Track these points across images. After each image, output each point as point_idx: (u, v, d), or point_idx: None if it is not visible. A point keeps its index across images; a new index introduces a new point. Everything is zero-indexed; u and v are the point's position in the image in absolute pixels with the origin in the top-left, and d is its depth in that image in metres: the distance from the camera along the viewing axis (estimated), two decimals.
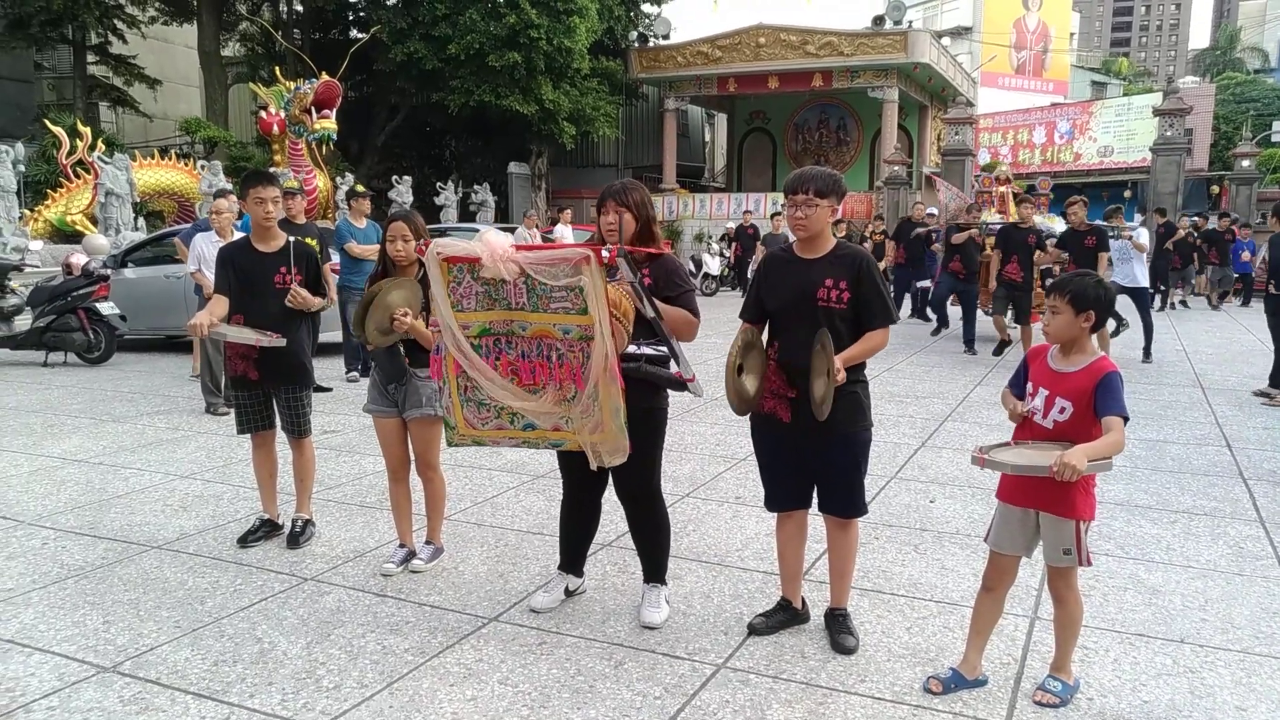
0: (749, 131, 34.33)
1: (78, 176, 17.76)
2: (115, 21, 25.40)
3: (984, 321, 11.37)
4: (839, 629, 3.36)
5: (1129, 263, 10.09)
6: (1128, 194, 28.25)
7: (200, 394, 7.73)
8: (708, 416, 7.21)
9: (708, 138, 38.17)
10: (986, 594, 3.06)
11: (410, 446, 4.09)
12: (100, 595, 3.80)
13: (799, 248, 3.32)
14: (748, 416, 3.38)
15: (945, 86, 30.11)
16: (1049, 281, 3.38)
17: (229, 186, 12.67)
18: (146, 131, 28.64)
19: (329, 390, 8.29)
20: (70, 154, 17.86)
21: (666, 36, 31.94)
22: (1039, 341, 3.14)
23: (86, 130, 18.37)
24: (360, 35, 25.88)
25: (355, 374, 8.95)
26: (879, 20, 27.93)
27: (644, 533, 3.60)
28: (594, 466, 3.23)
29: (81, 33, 25.01)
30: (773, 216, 16.08)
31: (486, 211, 24.43)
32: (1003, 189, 13.62)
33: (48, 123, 19.54)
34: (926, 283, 13.93)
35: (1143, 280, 10.25)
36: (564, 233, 16.36)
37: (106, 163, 16.72)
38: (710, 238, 24.56)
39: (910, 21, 29.66)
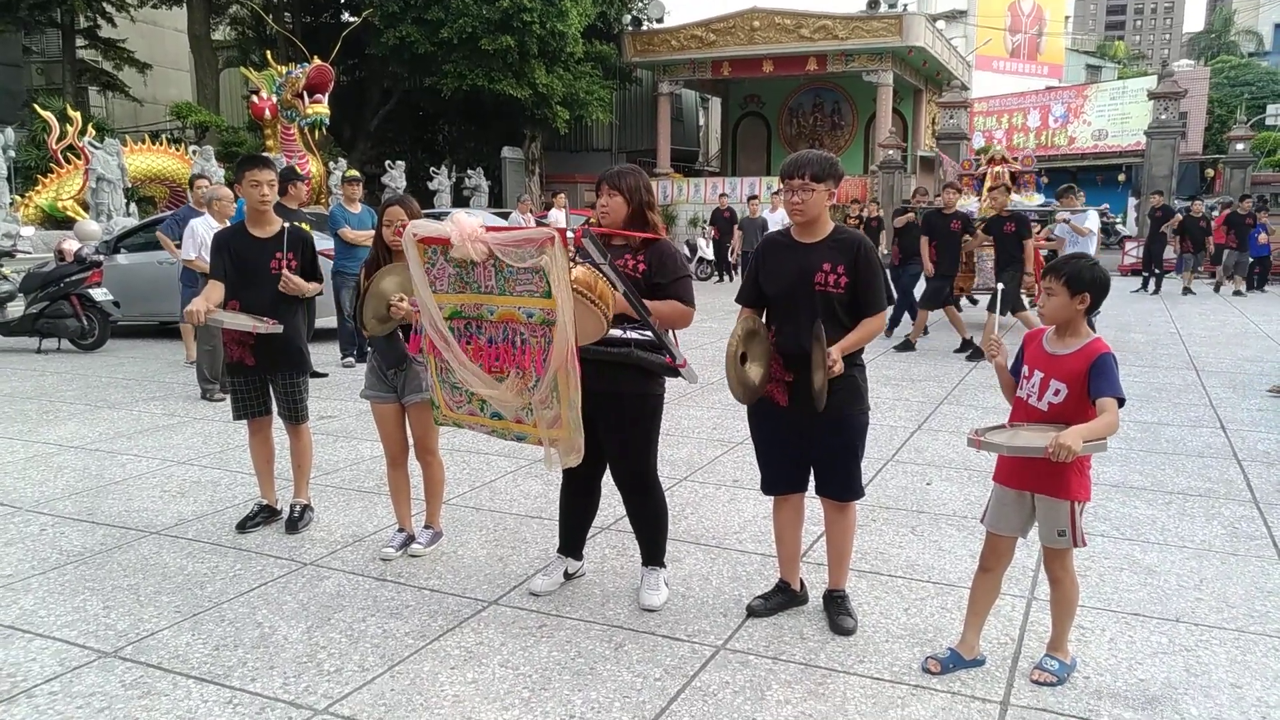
0: (743, 116, 34.20)
1: (68, 162, 17.60)
2: (104, 4, 25.14)
3: (979, 313, 11.37)
4: (837, 610, 3.38)
5: (1074, 247, 9.86)
6: (1122, 177, 28.32)
7: (195, 380, 7.72)
8: (704, 400, 7.22)
9: (702, 122, 38.01)
10: (984, 574, 3.08)
11: (409, 431, 4.09)
12: (100, 581, 3.80)
13: (797, 232, 3.31)
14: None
15: (940, 70, 30.04)
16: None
17: (204, 174, 12.65)
18: (136, 116, 28.41)
19: (324, 376, 8.28)
20: (60, 139, 17.71)
21: (660, 20, 31.77)
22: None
23: (76, 115, 18.20)
24: (352, 19, 25.66)
25: (351, 359, 8.94)
26: (874, 3, 27.74)
27: (642, 517, 3.60)
28: (548, 469, 3.23)
29: (70, 16, 24.76)
30: (749, 199, 15.56)
31: (480, 196, 24.30)
32: (998, 169, 13.43)
33: (37, 107, 19.36)
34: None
35: None
36: (558, 217, 16.27)
37: (97, 148, 16.57)
38: (705, 223, 24.46)
39: (905, 5, 29.47)
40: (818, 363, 3.02)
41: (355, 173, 9.99)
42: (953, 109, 26.17)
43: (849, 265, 3.18)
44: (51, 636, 3.30)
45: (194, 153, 18.81)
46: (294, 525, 4.36)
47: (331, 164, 20.78)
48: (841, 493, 3.34)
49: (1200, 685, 2.97)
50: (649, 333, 3.27)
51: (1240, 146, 25.59)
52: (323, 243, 7.37)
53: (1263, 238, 17.40)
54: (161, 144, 19.73)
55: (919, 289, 10.44)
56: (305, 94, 18.64)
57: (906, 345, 9.82)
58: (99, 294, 9.75)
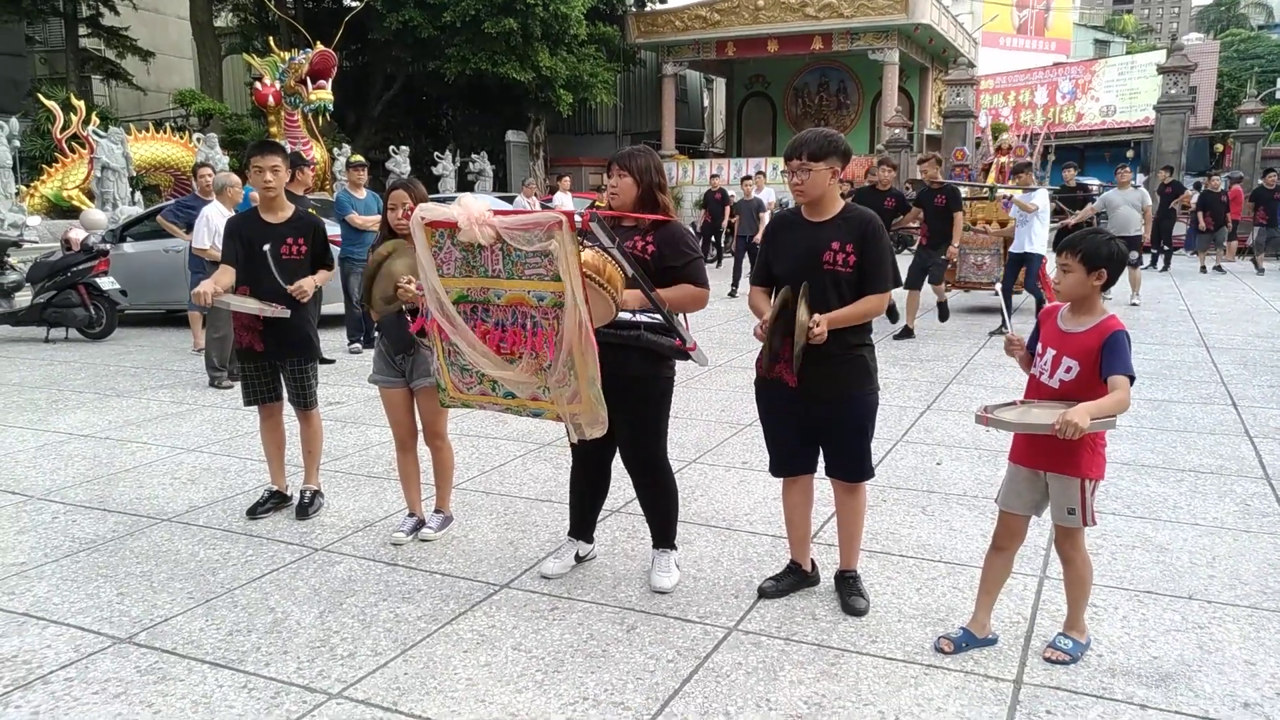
0: (748, 96, 34.01)
1: (73, 151, 17.62)
2: None
3: (981, 296, 11.26)
4: (849, 591, 3.38)
5: (1023, 225, 9.56)
6: (1130, 153, 28.03)
7: (203, 368, 7.74)
8: (713, 382, 7.21)
9: (707, 103, 37.80)
10: (996, 553, 3.07)
11: (418, 416, 4.09)
12: (113, 568, 3.82)
13: (806, 211, 3.29)
14: (753, 382, 3.39)
15: (946, 47, 29.76)
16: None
17: (207, 161, 12.62)
18: (140, 105, 28.39)
19: (332, 362, 8.28)
20: (65, 128, 17.71)
21: (664, 0, 31.54)
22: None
23: (80, 104, 18.19)
24: (354, 3, 25.54)
25: (358, 345, 8.94)
26: None
27: (652, 500, 3.60)
28: (573, 439, 3.23)
29: (73, 5, 24.72)
30: (743, 181, 15.12)
31: (485, 181, 24.25)
32: (1003, 160, 13.14)
33: (41, 97, 19.36)
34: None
35: (1029, 246, 9.48)
36: (563, 200, 16.25)
37: (101, 137, 16.57)
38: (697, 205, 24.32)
39: None
40: (800, 329, 3.00)
41: (360, 158, 9.96)
42: (959, 86, 25.93)
43: (857, 243, 3.15)
44: (66, 623, 3.32)
45: (198, 140, 18.80)
46: (304, 511, 4.37)
47: (335, 150, 20.74)
48: (851, 473, 3.33)
49: (1213, 662, 2.96)
50: (658, 315, 3.25)
51: (1251, 120, 25.28)
52: (329, 229, 7.38)
53: None
54: (165, 132, 19.73)
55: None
56: (308, 80, 18.60)
57: (906, 333, 9.51)
58: (106, 283, 9.76)
